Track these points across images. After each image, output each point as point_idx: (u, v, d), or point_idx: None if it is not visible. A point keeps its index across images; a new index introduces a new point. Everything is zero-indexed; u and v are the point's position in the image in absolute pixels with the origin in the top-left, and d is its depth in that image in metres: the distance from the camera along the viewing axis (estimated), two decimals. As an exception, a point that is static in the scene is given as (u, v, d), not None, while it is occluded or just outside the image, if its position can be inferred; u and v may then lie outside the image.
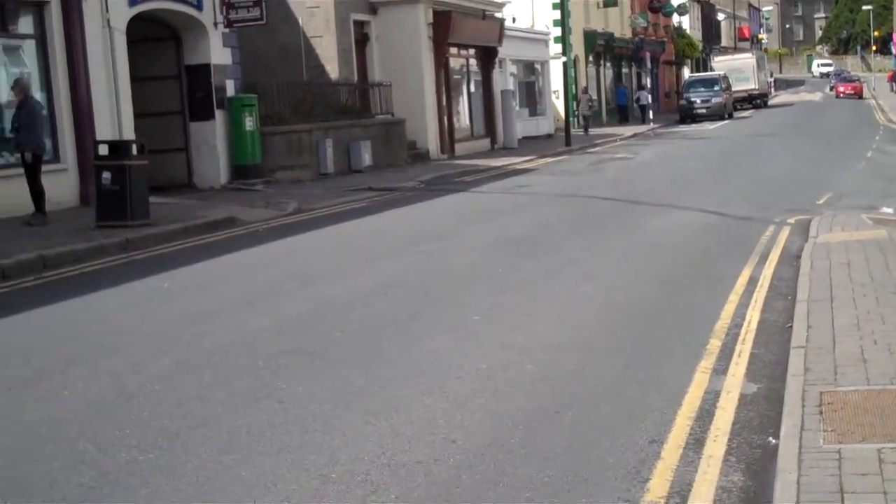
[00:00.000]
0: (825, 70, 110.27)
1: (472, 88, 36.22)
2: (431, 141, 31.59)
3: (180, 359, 8.30)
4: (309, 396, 7.10)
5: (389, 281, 11.47)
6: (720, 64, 63.61)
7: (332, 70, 28.51)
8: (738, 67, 61.23)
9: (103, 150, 16.52)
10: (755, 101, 61.39)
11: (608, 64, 57.04)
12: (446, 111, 32.79)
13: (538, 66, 44.27)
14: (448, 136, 32.67)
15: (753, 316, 9.22)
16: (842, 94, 70.46)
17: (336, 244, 15.22)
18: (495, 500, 5.23)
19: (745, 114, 55.77)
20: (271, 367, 7.92)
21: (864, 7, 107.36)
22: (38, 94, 17.96)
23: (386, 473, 5.61)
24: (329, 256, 13.84)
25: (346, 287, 11.23)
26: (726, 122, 49.36)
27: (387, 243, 14.80)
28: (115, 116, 19.97)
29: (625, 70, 60.27)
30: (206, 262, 13.54)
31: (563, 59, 41.04)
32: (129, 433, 6.40)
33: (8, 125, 17.30)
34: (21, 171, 16.64)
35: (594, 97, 50.23)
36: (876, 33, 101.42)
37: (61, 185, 18.38)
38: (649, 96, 53.82)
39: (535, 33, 43.80)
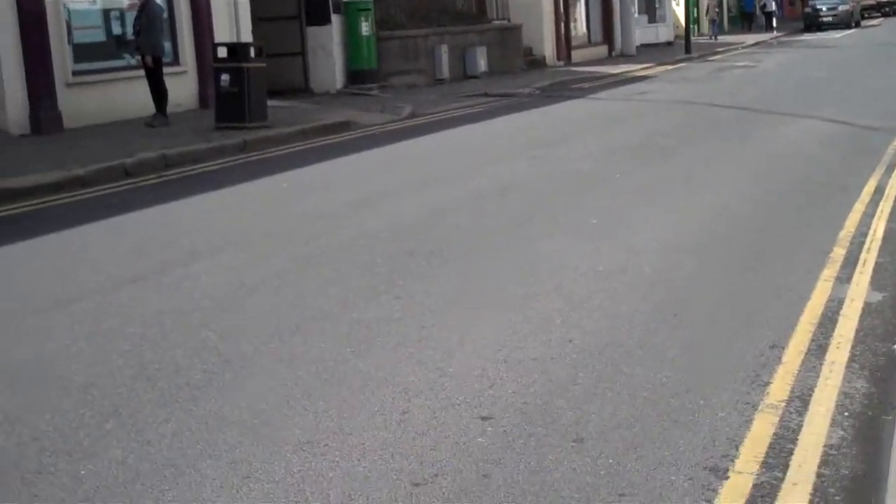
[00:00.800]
0: None
1: (590, -6, 35.56)
2: (548, 47, 31.20)
3: (299, 256, 8.40)
4: (426, 294, 7.14)
5: (506, 184, 11.41)
6: (848, -30, 61.32)
7: (449, -26, 28.23)
8: (867, -27, 58.97)
9: (222, 52, 16.66)
10: (884, 8, 59.17)
11: (730, -30, 55.41)
12: (563, 17, 32.26)
13: (658, -28, 43.24)
14: (564, 43, 32.20)
15: (879, 225, 8.95)
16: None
17: (451, 148, 15.18)
18: (612, 398, 5.20)
19: (874, 22, 53.83)
20: (389, 265, 7.97)
21: None
22: (158, -3, 18.14)
23: (502, 369, 5.62)
24: (445, 160, 13.82)
25: (463, 189, 11.21)
26: (853, 30, 47.71)
27: (503, 147, 14.72)
28: (233, 20, 20.08)
29: (747, -24, 58.45)
30: (322, 164, 13.64)
31: (685, -36, 40.00)
32: (251, 324, 6.52)
33: (130, 28, 17.55)
34: (142, 73, 16.93)
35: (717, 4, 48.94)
36: None
37: (181, 87, 18.63)
38: (774, 3, 52.20)
39: (655, -63, 42.72)
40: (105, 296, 7.36)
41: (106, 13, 18.26)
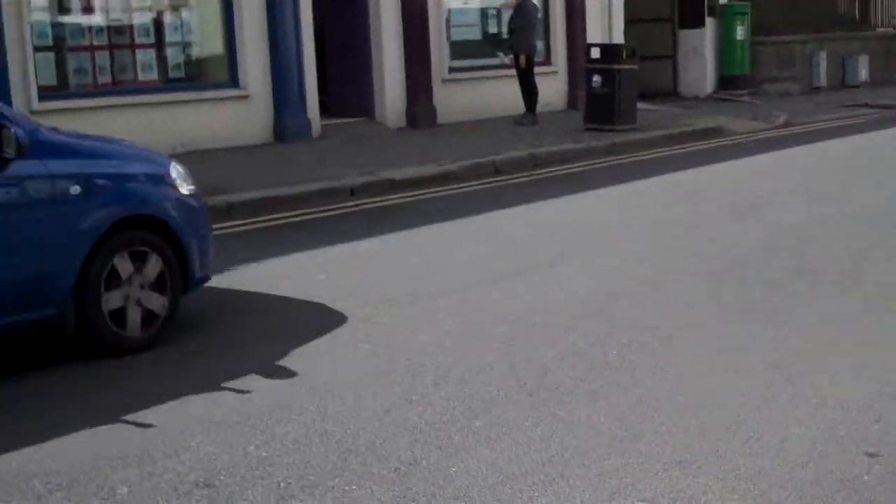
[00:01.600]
0: None
1: None
2: (936, 57, 29.17)
3: (664, 264, 8.21)
4: (800, 314, 6.75)
5: (890, 201, 10.69)
6: None
7: (830, -23, 26.97)
8: None
9: (595, 53, 16.66)
10: None
11: None
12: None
13: None
14: (955, 53, 29.98)
15: None
16: None
17: (828, 159, 14.44)
18: None
19: None
20: (760, 279, 7.63)
21: None
22: (535, -2, 18.42)
23: (890, 403, 5.16)
24: (821, 171, 13.17)
25: (842, 204, 10.61)
26: None
27: (887, 162, 13.83)
28: (605, 21, 20.13)
29: None
30: (691, 171, 13.32)
31: None
32: (618, 331, 6.38)
33: (505, 27, 17.95)
34: (513, 72, 17.23)
35: None
36: None
37: (550, 87, 18.81)
38: None
39: None
40: (476, 291, 7.47)
41: (483, 11, 18.76)
